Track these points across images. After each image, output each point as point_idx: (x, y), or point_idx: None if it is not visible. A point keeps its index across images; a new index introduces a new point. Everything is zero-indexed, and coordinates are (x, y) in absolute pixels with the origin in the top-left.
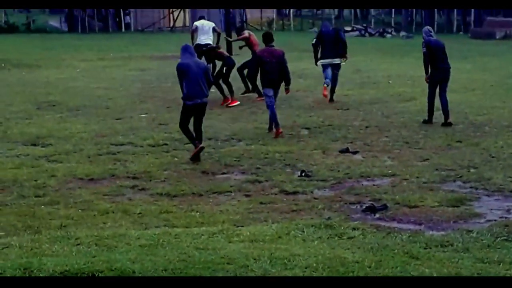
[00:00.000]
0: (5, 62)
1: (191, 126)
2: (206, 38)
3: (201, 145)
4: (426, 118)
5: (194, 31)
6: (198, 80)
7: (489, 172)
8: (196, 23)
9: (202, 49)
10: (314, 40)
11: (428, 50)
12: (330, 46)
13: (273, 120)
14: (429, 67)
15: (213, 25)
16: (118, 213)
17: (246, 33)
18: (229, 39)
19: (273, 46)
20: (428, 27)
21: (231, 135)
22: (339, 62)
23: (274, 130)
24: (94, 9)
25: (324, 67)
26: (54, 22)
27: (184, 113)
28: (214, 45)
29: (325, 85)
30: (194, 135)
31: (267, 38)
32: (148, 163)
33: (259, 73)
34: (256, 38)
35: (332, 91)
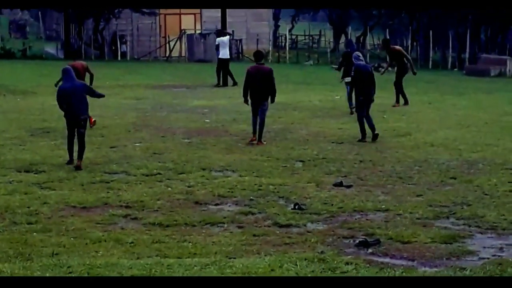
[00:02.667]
0: (0, 88)
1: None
2: (224, 52)
3: (76, 165)
4: (360, 137)
5: (217, 48)
6: (74, 100)
7: (482, 209)
8: (218, 39)
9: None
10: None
11: (355, 74)
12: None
13: (252, 126)
14: (356, 89)
15: (228, 37)
16: (110, 242)
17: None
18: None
19: (262, 64)
20: (357, 52)
21: (225, 166)
22: None
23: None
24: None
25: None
26: (50, 48)
27: (67, 126)
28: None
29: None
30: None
31: (257, 57)
32: (141, 192)
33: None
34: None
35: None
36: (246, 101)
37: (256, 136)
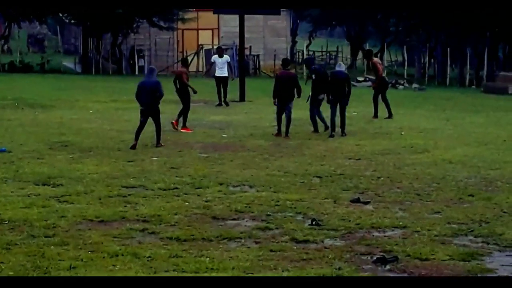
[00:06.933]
0: (19, 101)
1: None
2: (221, 70)
3: (132, 145)
4: (332, 133)
5: (211, 65)
6: (146, 93)
7: (501, 227)
8: (213, 57)
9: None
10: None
11: (331, 79)
12: None
13: (277, 122)
14: (331, 92)
15: (227, 59)
16: (127, 256)
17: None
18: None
19: (289, 69)
20: (340, 62)
21: (242, 181)
22: None
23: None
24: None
25: None
26: (68, 63)
27: (140, 115)
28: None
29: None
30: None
31: (285, 63)
32: (158, 206)
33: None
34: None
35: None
36: (274, 102)
37: (280, 132)
